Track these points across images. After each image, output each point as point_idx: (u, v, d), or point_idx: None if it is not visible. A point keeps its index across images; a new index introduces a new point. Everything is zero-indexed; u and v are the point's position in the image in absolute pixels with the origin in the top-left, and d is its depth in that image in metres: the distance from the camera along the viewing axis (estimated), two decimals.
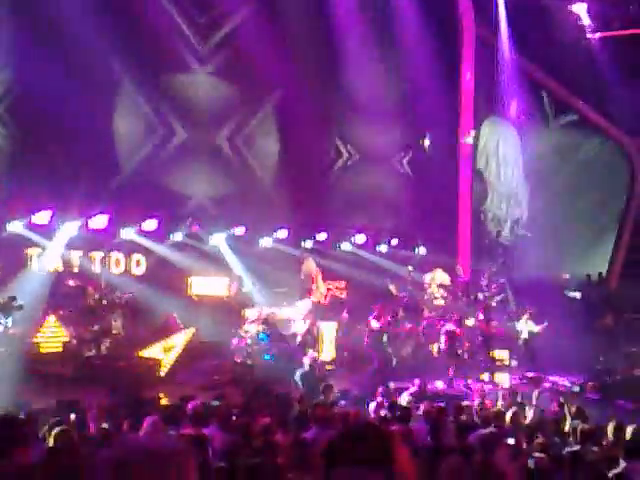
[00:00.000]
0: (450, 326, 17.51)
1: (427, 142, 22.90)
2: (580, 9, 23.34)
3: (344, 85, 21.55)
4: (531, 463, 8.25)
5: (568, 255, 23.28)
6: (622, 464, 7.58)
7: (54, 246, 16.74)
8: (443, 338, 17.57)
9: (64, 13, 16.53)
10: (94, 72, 17.49)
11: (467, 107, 23.73)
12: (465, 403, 11.93)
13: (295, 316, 17.79)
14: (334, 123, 22.08)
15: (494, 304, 19.97)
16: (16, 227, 16.15)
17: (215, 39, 20.00)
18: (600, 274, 23.82)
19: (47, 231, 16.70)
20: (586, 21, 23.53)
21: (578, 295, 22.65)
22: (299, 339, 17.30)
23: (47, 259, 16.66)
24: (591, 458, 8.07)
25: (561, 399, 12.48)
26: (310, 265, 20.13)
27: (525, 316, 18.32)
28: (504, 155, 24.96)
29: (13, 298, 14.62)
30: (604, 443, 9.09)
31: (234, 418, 9.70)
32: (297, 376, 14.40)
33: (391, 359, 17.63)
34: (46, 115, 16.25)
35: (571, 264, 23.59)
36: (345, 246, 20.89)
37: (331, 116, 21.86)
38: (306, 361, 14.73)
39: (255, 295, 18.56)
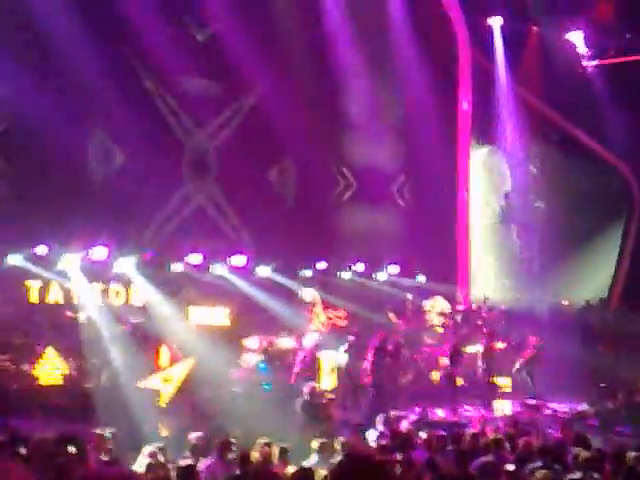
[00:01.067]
0: (444, 359, 17.54)
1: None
2: (576, 37, 23.53)
3: (342, 112, 21.70)
4: None
5: (566, 281, 23.24)
6: None
7: (54, 278, 16.76)
8: (443, 366, 17.59)
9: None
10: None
11: (464, 134, 23.83)
12: (467, 431, 11.91)
13: (296, 348, 17.73)
14: (335, 153, 22.14)
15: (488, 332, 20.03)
16: (15, 260, 16.15)
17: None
18: (601, 299, 23.80)
19: (47, 263, 16.72)
20: (582, 49, 23.72)
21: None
22: (297, 369, 17.24)
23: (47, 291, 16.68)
24: None
25: (563, 426, 12.48)
26: (312, 294, 20.13)
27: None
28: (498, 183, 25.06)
29: None
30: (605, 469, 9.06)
31: (233, 449, 9.67)
32: (297, 405, 14.35)
33: (389, 386, 17.59)
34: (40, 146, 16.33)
35: (570, 290, 23.53)
36: (345, 275, 20.84)
37: (333, 147, 21.96)
38: (305, 390, 14.69)
39: None
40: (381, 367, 17.27)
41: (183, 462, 8.82)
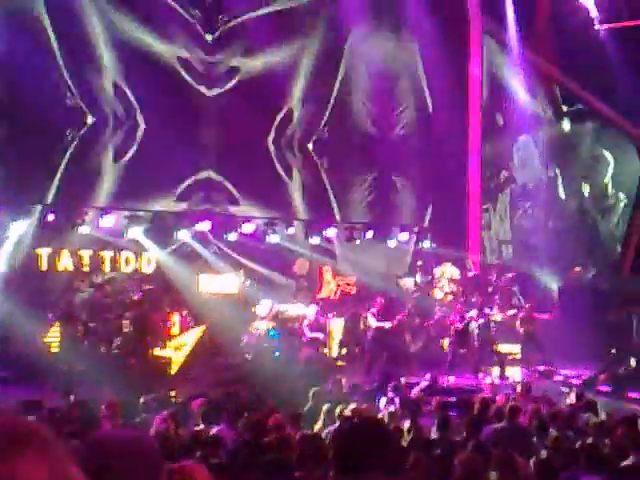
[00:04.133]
0: (457, 321, 17.54)
1: None
2: (587, 1, 23.23)
3: (350, 77, 21.64)
4: (544, 455, 8.22)
5: (578, 248, 23.12)
6: (632, 457, 7.55)
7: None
8: (452, 333, 17.62)
9: None
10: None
11: (474, 100, 23.61)
12: (477, 398, 11.90)
13: (305, 317, 17.75)
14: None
15: (499, 297, 20.04)
16: (18, 227, 16.14)
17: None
18: (612, 264, 23.67)
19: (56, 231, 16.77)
20: (594, 13, 23.41)
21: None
22: (306, 338, 17.27)
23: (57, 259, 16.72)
24: (603, 451, 8.02)
25: (577, 392, 12.47)
26: (303, 265, 20.09)
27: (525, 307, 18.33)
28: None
29: None
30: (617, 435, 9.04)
31: (245, 415, 9.68)
32: (298, 371, 14.47)
33: (398, 353, 17.62)
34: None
35: (581, 257, 23.41)
36: (356, 242, 20.77)
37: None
38: (303, 356, 14.75)
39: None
40: (385, 334, 17.33)
41: (195, 429, 8.87)
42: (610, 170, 24.28)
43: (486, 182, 23.96)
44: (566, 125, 24.83)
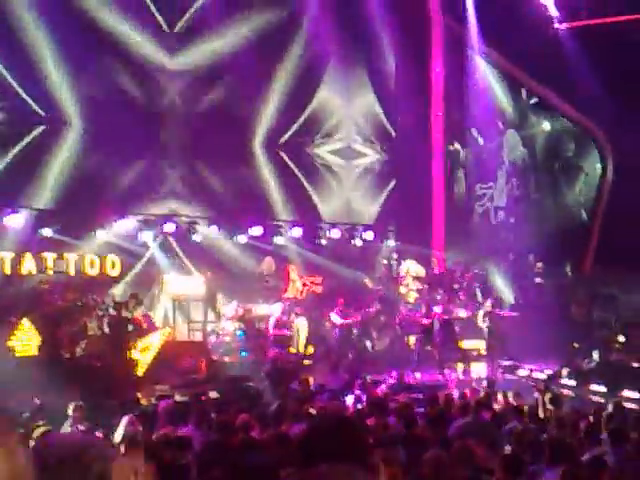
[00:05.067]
0: (422, 319, 17.69)
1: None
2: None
3: (317, 80, 21.72)
4: (508, 450, 8.33)
5: (540, 244, 23.36)
6: (594, 449, 7.68)
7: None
8: (418, 330, 17.77)
9: None
10: None
11: (437, 98, 23.77)
12: (443, 393, 12.01)
13: (270, 315, 17.80)
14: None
15: (464, 294, 20.22)
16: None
17: None
18: (573, 261, 23.97)
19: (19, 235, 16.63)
20: (554, 12, 23.67)
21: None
22: (272, 337, 17.32)
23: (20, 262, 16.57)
24: (568, 443, 8.13)
25: (540, 386, 12.62)
26: (269, 264, 20.12)
27: (486, 304, 18.46)
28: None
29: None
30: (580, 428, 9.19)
31: (212, 416, 9.68)
32: (263, 371, 14.50)
33: (364, 352, 17.73)
34: None
35: (542, 253, 23.66)
36: (321, 241, 20.84)
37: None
38: (269, 356, 14.80)
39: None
40: (350, 332, 17.47)
41: (162, 431, 8.84)
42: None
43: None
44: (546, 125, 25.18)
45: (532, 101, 25.41)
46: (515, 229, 24.24)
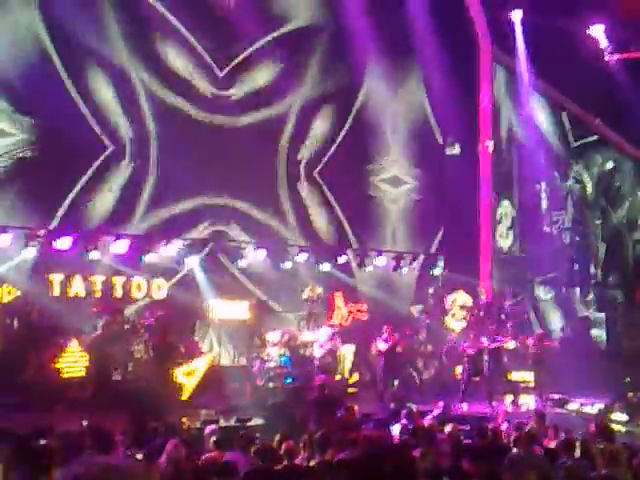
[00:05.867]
0: (469, 349, 17.48)
1: (457, 149, 22.86)
2: (598, 31, 23.30)
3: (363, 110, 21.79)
4: None
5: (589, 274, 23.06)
6: None
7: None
8: (465, 360, 17.54)
9: None
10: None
11: (485, 129, 23.68)
12: (491, 426, 11.80)
13: (315, 341, 17.73)
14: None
15: (512, 325, 19.95)
16: (29, 252, 16.18)
17: None
18: (624, 292, 23.60)
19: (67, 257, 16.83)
20: (604, 43, 23.49)
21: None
22: (317, 362, 17.24)
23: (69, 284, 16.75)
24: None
25: (591, 420, 12.37)
26: (314, 290, 20.07)
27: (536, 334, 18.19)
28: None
29: None
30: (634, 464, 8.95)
31: (256, 442, 9.61)
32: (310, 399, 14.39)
33: (413, 381, 17.54)
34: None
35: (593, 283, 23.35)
36: (367, 269, 20.77)
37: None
38: (316, 383, 14.69)
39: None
40: (398, 360, 17.34)
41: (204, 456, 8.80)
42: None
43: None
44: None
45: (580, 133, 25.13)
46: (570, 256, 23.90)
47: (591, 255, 23.93)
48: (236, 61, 20.14)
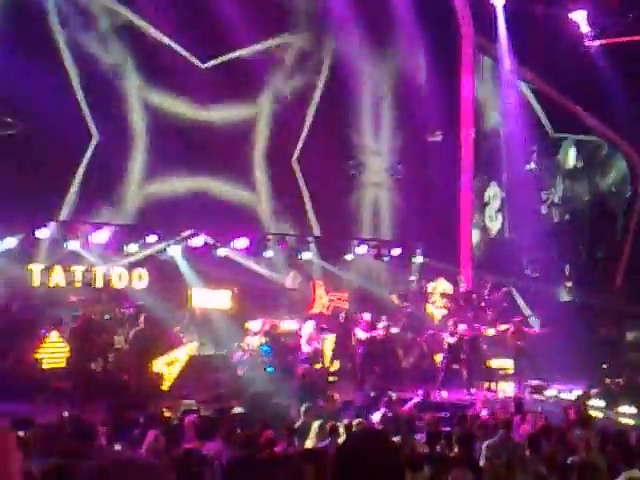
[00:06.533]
0: (449, 337, 17.57)
1: (438, 136, 22.90)
2: (579, 17, 23.33)
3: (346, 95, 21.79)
4: (542, 470, 8.23)
5: (569, 263, 23.13)
6: (624, 473, 7.55)
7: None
8: (444, 348, 17.65)
9: None
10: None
11: (467, 116, 23.73)
12: (470, 413, 11.90)
13: (300, 336, 17.72)
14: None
15: (492, 312, 20.03)
16: (10, 243, 16.12)
17: None
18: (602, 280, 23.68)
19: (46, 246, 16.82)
20: (585, 29, 23.52)
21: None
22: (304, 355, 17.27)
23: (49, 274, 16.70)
24: (597, 466, 8.01)
25: (569, 406, 12.48)
26: (294, 278, 20.11)
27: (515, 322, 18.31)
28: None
29: None
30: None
31: (238, 431, 9.65)
32: (294, 387, 14.45)
33: (390, 369, 17.63)
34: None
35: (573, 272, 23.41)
36: (347, 257, 20.79)
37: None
38: (299, 372, 14.75)
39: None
40: (376, 349, 17.42)
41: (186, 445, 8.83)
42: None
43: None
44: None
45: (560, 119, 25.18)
46: (545, 245, 23.92)
47: (579, 233, 23.85)
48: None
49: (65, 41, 18.17)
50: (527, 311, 21.58)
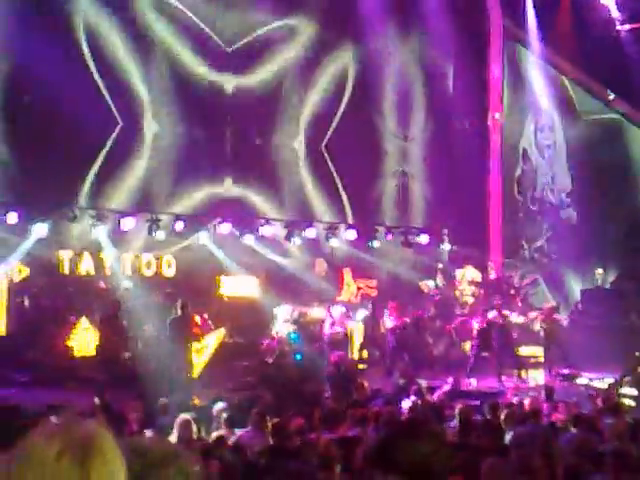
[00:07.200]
0: (478, 324, 17.48)
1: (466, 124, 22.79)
2: (609, 1, 23.06)
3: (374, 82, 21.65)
4: (570, 461, 8.14)
5: (600, 249, 22.85)
6: None
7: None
8: (474, 336, 17.56)
9: None
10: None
11: (494, 101, 23.53)
12: (502, 401, 11.83)
13: (328, 319, 17.70)
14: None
15: (521, 300, 19.90)
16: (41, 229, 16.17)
17: None
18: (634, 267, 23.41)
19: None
20: (615, 13, 23.24)
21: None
22: (327, 339, 17.25)
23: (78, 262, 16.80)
24: (631, 454, 7.92)
25: (600, 395, 12.37)
26: (322, 266, 20.08)
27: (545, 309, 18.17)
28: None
29: None
30: None
31: (266, 419, 9.66)
32: (325, 375, 14.45)
33: (421, 357, 17.57)
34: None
35: (603, 258, 23.14)
36: (375, 244, 20.70)
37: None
38: (332, 360, 14.73)
39: None
40: (405, 336, 17.37)
41: (215, 434, 8.85)
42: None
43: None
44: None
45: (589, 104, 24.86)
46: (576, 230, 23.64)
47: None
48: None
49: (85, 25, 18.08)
50: (557, 298, 21.38)
